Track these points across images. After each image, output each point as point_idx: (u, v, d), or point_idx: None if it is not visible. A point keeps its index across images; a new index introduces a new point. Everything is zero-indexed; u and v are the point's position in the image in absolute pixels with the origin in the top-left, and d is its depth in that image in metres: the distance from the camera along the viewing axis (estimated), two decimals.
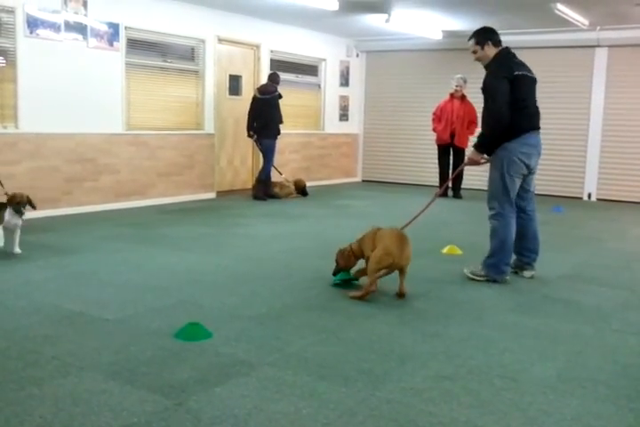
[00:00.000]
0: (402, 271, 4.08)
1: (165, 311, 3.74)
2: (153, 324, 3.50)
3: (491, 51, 4.54)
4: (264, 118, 8.74)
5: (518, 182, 4.57)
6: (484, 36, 4.58)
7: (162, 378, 2.78)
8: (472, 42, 4.61)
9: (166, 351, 3.09)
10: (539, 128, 4.62)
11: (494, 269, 4.58)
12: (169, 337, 3.28)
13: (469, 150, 4.64)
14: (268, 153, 8.87)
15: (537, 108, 4.66)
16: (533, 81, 4.60)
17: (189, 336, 3.25)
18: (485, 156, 4.61)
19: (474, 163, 4.68)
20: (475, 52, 4.61)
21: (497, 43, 4.58)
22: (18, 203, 4.95)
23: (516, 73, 4.44)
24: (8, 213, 4.96)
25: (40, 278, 4.43)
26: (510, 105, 4.37)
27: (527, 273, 4.78)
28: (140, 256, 5.19)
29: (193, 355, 3.05)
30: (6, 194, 5.09)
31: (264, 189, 8.92)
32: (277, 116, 8.84)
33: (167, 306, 3.84)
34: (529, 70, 4.59)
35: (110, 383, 2.71)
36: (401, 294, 4.10)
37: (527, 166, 4.54)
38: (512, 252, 4.64)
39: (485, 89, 4.48)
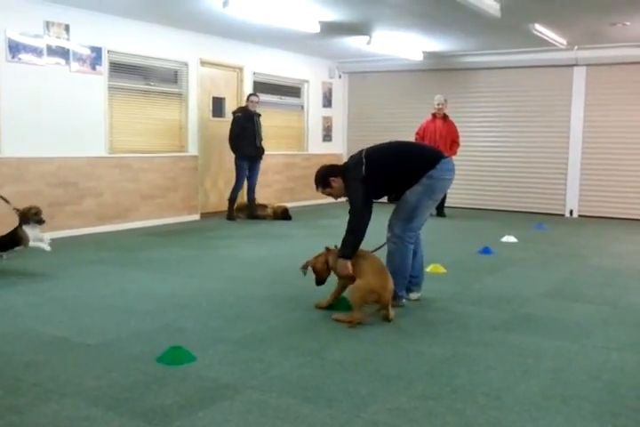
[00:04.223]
0: (385, 304, 4.01)
1: (148, 335, 3.71)
2: (136, 348, 3.47)
3: (338, 182, 4.40)
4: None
5: (431, 209, 4.50)
6: (323, 179, 4.44)
7: (145, 403, 2.75)
8: (321, 190, 4.52)
9: (149, 376, 3.06)
10: (444, 155, 4.49)
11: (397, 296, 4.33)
12: (152, 362, 3.25)
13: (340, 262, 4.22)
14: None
15: (424, 146, 4.94)
16: (389, 143, 4.56)
17: (172, 360, 3.23)
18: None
19: (348, 275, 4.18)
20: (331, 194, 4.54)
21: (337, 174, 4.40)
22: None
23: (363, 160, 4.30)
24: None
25: (22, 304, 4.39)
26: (380, 184, 4.32)
27: (414, 295, 4.56)
28: (123, 280, 5.16)
29: (176, 379, 3.03)
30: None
31: (248, 210, 9.01)
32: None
33: (150, 330, 3.82)
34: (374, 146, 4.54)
35: (92, 410, 2.68)
36: (388, 319, 4.05)
37: (443, 192, 4.46)
38: (407, 277, 4.45)
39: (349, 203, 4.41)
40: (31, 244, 5.30)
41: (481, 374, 3.16)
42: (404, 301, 4.43)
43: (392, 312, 4.07)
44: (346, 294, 4.21)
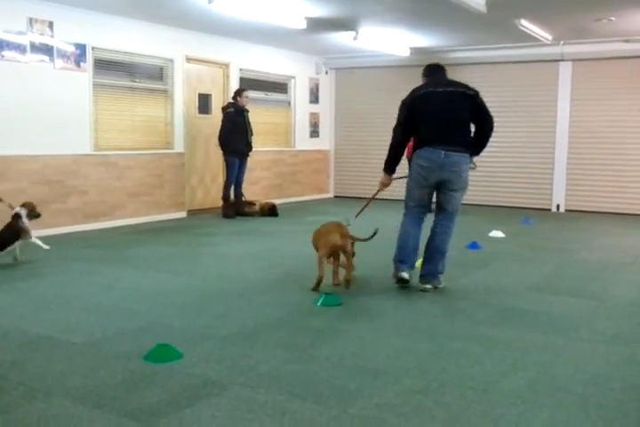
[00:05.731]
0: (347, 253, 4.57)
1: (135, 333, 3.69)
2: (122, 346, 3.45)
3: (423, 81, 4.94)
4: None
5: (420, 193, 4.71)
6: (423, 71, 5.08)
7: (132, 401, 2.73)
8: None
9: (136, 374, 3.04)
10: (445, 143, 4.52)
11: (393, 264, 4.73)
12: (139, 359, 3.23)
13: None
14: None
15: (449, 123, 4.57)
16: (447, 95, 4.68)
17: (159, 358, 3.21)
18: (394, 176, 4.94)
19: (385, 185, 4.99)
20: None
21: (427, 75, 5.00)
22: None
23: (417, 94, 4.72)
24: None
25: (6, 303, 4.35)
26: (412, 124, 4.64)
27: (420, 285, 4.72)
28: (109, 278, 5.13)
29: (163, 377, 3.01)
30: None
31: (235, 207, 8.96)
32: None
33: (137, 328, 3.79)
34: (447, 85, 4.77)
35: (79, 408, 2.66)
36: (346, 281, 4.61)
37: (426, 180, 4.62)
38: (408, 252, 4.67)
39: None
40: (33, 239, 5.52)
41: (468, 368, 3.17)
42: (401, 274, 4.62)
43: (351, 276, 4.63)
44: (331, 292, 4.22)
